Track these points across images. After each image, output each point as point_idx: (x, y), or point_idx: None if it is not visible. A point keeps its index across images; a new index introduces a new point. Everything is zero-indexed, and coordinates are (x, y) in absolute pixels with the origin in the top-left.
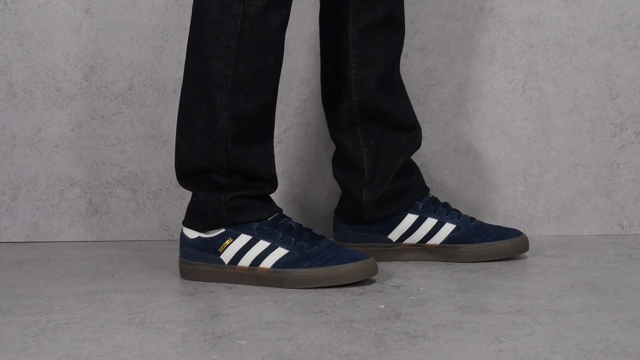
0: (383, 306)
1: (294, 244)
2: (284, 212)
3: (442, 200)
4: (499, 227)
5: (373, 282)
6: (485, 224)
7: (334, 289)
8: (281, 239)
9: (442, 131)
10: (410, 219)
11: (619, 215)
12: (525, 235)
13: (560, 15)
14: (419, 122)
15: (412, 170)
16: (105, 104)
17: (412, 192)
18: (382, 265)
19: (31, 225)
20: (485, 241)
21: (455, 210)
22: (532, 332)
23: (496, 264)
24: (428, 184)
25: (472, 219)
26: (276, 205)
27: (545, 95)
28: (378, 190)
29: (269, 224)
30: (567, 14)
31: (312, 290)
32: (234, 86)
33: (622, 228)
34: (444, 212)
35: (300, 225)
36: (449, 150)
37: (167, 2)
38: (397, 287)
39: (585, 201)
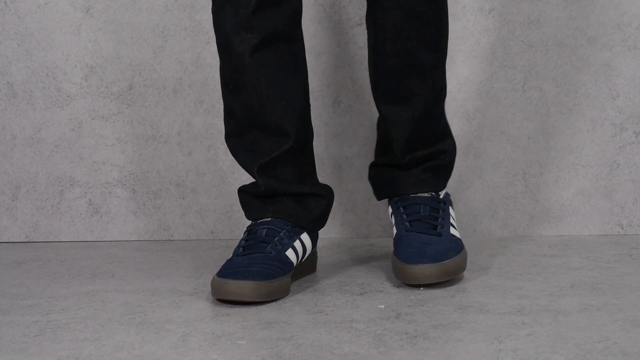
0: (383, 306)
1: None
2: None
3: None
4: (426, 246)
5: (373, 282)
6: (426, 239)
7: (334, 289)
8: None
9: None
10: (389, 211)
11: (619, 215)
12: (438, 265)
13: (560, 15)
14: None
15: (408, 166)
16: (105, 104)
17: (391, 187)
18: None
19: (31, 225)
20: (396, 258)
21: (431, 218)
22: (532, 332)
23: (496, 263)
24: None
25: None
26: (272, 209)
27: (545, 95)
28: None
29: (249, 227)
30: (567, 14)
31: (312, 290)
32: (222, 81)
33: (622, 228)
34: (400, 215)
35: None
36: None
37: (167, 2)
38: (397, 287)
39: (585, 201)
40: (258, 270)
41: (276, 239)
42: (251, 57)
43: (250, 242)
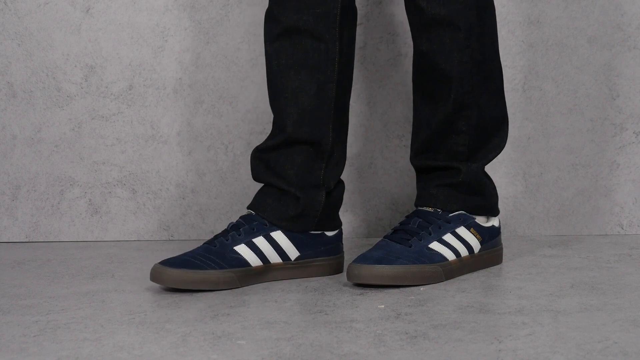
0: (383, 306)
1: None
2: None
3: None
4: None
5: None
6: (389, 246)
7: (334, 289)
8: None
9: None
10: None
11: (619, 215)
12: (369, 267)
13: (560, 15)
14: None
15: (424, 177)
16: (105, 104)
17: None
18: None
19: (31, 225)
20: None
21: (413, 231)
22: (532, 332)
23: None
24: None
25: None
26: (252, 202)
27: (545, 95)
28: None
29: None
30: (567, 14)
31: (312, 290)
32: None
33: (622, 228)
34: (394, 232)
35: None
36: None
37: (167, 2)
38: (397, 287)
39: (585, 201)
40: (185, 259)
41: (230, 233)
42: (270, 45)
43: (219, 234)
